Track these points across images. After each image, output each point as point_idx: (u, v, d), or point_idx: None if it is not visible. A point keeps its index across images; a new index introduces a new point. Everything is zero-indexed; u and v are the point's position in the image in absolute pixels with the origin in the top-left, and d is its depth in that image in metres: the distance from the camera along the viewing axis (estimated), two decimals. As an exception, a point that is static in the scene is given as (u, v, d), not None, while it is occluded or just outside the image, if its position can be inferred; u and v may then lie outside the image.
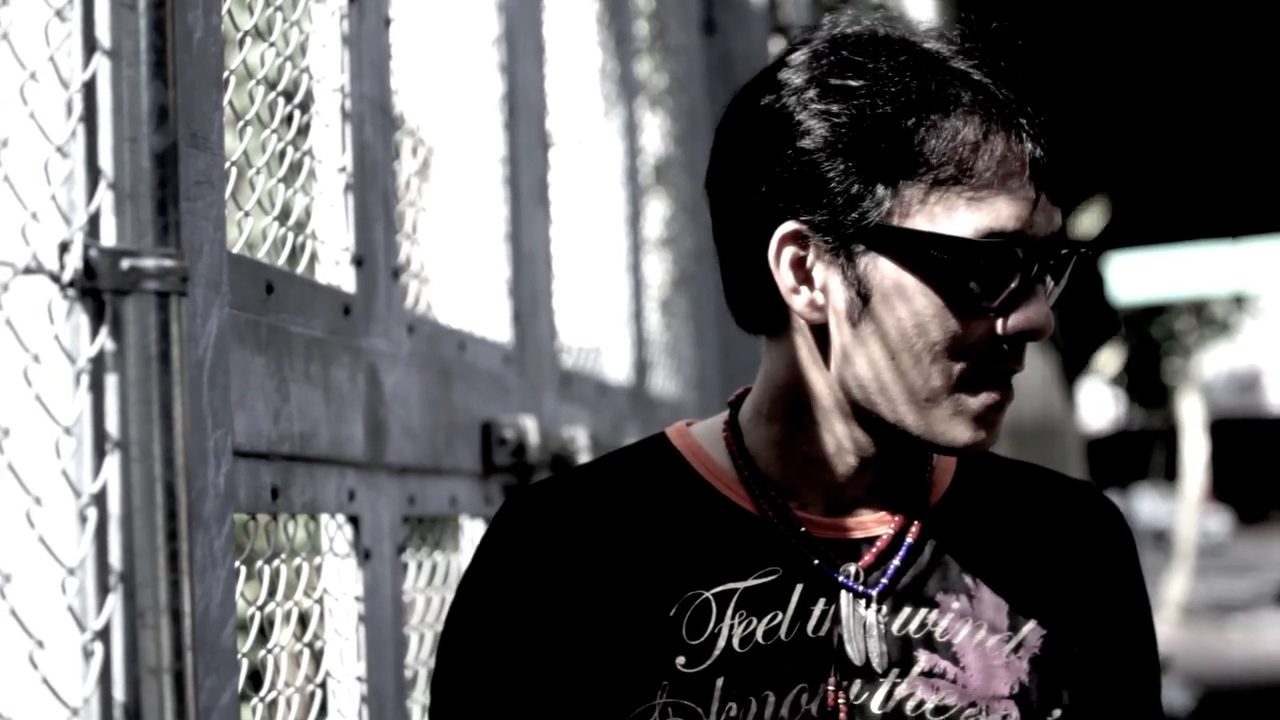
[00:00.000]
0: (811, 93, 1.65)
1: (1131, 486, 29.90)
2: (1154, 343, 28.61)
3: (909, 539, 1.72)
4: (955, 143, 1.62)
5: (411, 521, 2.60)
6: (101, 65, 1.57)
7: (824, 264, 1.65)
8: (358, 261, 2.39)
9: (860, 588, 1.69)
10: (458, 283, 2.98)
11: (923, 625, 1.69)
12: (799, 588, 1.69)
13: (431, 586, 2.75)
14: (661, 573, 1.69)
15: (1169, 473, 31.27)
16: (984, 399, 1.66)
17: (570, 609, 1.69)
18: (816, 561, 1.69)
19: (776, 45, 5.37)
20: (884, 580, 1.70)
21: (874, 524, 1.73)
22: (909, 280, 1.62)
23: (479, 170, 3.04)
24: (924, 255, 1.62)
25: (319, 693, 2.30)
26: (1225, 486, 43.00)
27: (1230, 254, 19.99)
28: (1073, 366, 20.79)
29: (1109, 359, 25.88)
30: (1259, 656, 19.48)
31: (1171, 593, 25.27)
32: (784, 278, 1.66)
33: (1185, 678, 15.99)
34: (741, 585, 1.69)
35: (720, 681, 1.65)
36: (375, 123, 2.46)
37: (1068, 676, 1.72)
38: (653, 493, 1.74)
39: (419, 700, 2.63)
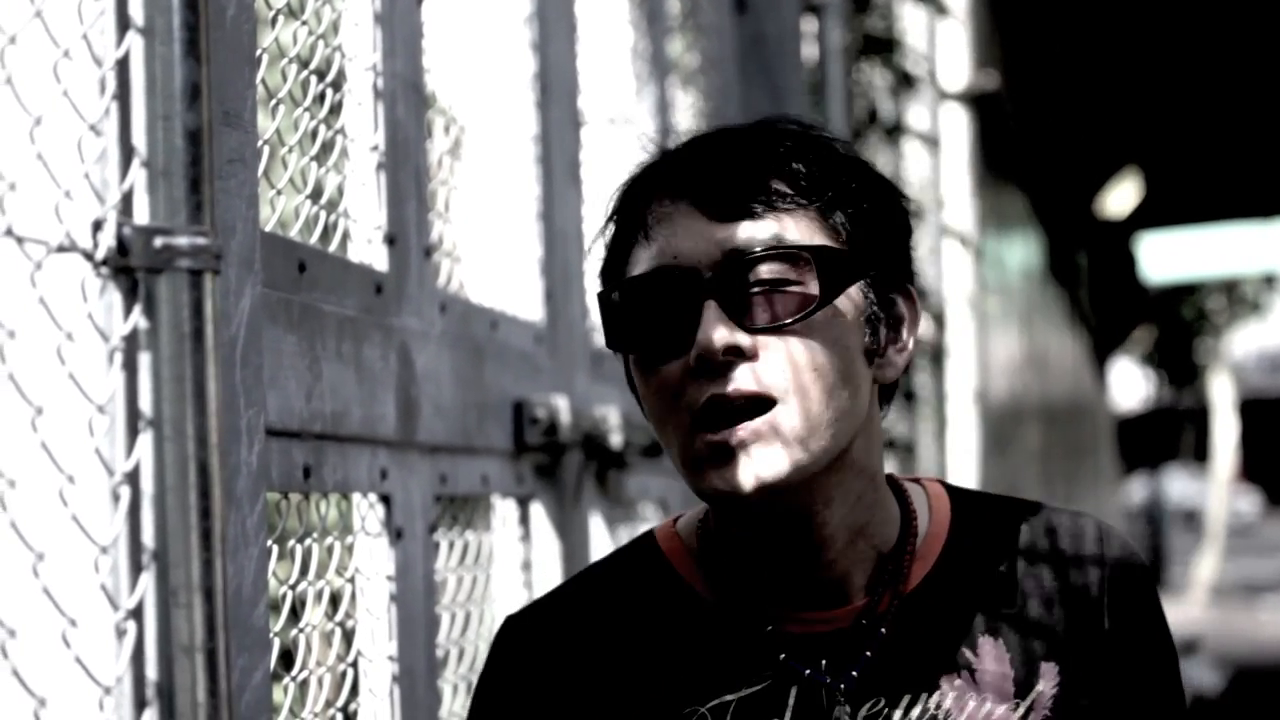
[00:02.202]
0: None
1: (1162, 466, 29.82)
2: (1185, 322, 28.52)
3: (883, 628, 1.67)
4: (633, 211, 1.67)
5: (443, 500, 2.60)
6: (135, 43, 1.57)
7: None
8: (390, 240, 2.38)
9: (840, 685, 1.66)
10: (490, 261, 2.97)
11: (925, 711, 1.65)
12: (793, 691, 1.66)
13: (463, 566, 2.74)
14: (658, 689, 1.68)
15: (1199, 453, 31.21)
16: (709, 442, 1.60)
17: None
18: (801, 663, 1.66)
19: (808, 24, 5.36)
20: (863, 672, 1.66)
21: (851, 614, 1.68)
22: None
23: (511, 149, 3.04)
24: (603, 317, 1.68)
25: (350, 672, 2.30)
26: (1256, 467, 42.87)
27: (1261, 233, 19.92)
28: (1103, 346, 20.74)
29: (1140, 339, 25.83)
30: (1289, 637, 19.43)
31: (1201, 573, 25.23)
32: None
33: (1215, 658, 15.96)
34: (735, 697, 1.66)
35: None
36: (407, 101, 2.45)
37: None
38: (643, 605, 1.73)
39: (450, 679, 2.63)
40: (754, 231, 1.60)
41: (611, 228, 1.70)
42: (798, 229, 1.62)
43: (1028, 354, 12.99)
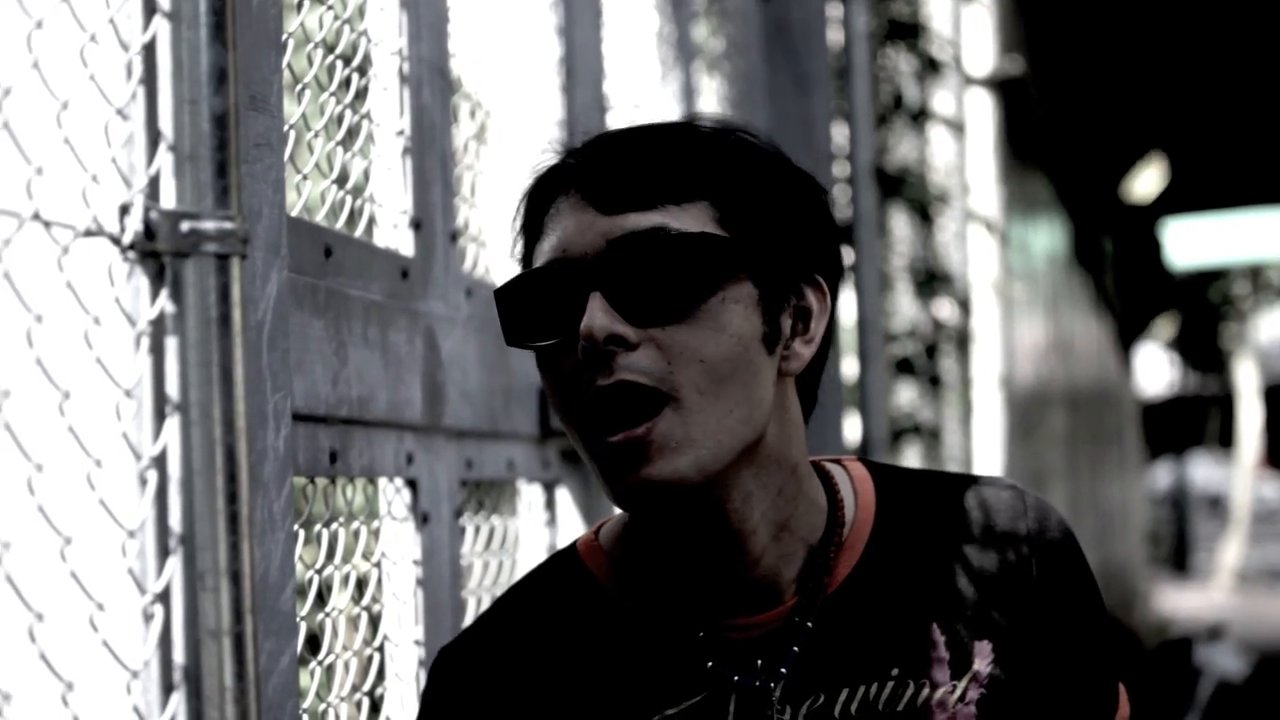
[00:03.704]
0: None
1: (1187, 452, 29.75)
2: (1210, 308, 28.45)
3: (810, 623, 1.65)
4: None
5: (469, 485, 2.60)
6: (161, 27, 1.57)
7: None
8: (416, 225, 2.38)
9: (774, 686, 1.64)
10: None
11: (865, 701, 1.64)
12: (733, 699, 1.64)
13: (489, 551, 2.75)
14: (597, 709, 1.66)
15: (1224, 439, 31.13)
16: (609, 444, 1.58)
17: None
18: (732, 670, 1.64)
19: (834, 10, 5.35)
20: (793, 669, 1.65)
21: (783, 614, 1.66)
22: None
23: (536, 133, 3.03)
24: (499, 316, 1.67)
25: (377, 656, 2.30)
26: (1281, 453, 42.70)
27: (1288, 219, 19.86)
28: (1128, 332, 20.70)
29: (1165, 324, 25.77)
30: (1315, 623, 19.39)
31: (1226, 559, 25.18)
32: None
33: (1240, 644, 15.92)
34: (675, 711, 1.65)
35: None
36: (433, 86, 2.45)
37: (1017, 702, 1.67)
38: (571, 624, 1.71)
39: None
40: (639, 222, 1.59)
41: (520, 223, 1.70)
42: (685, 220, 1.59)
43: (1053, 339, 12.97)
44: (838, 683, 1.64)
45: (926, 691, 1.65)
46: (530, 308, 1.62)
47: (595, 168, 1.62)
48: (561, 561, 1.77)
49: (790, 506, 1.66)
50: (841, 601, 1.67)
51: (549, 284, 1.61)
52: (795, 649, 1.65)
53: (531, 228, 1.67)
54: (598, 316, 1.56)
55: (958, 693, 1.65)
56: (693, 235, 1.58)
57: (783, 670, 1.64)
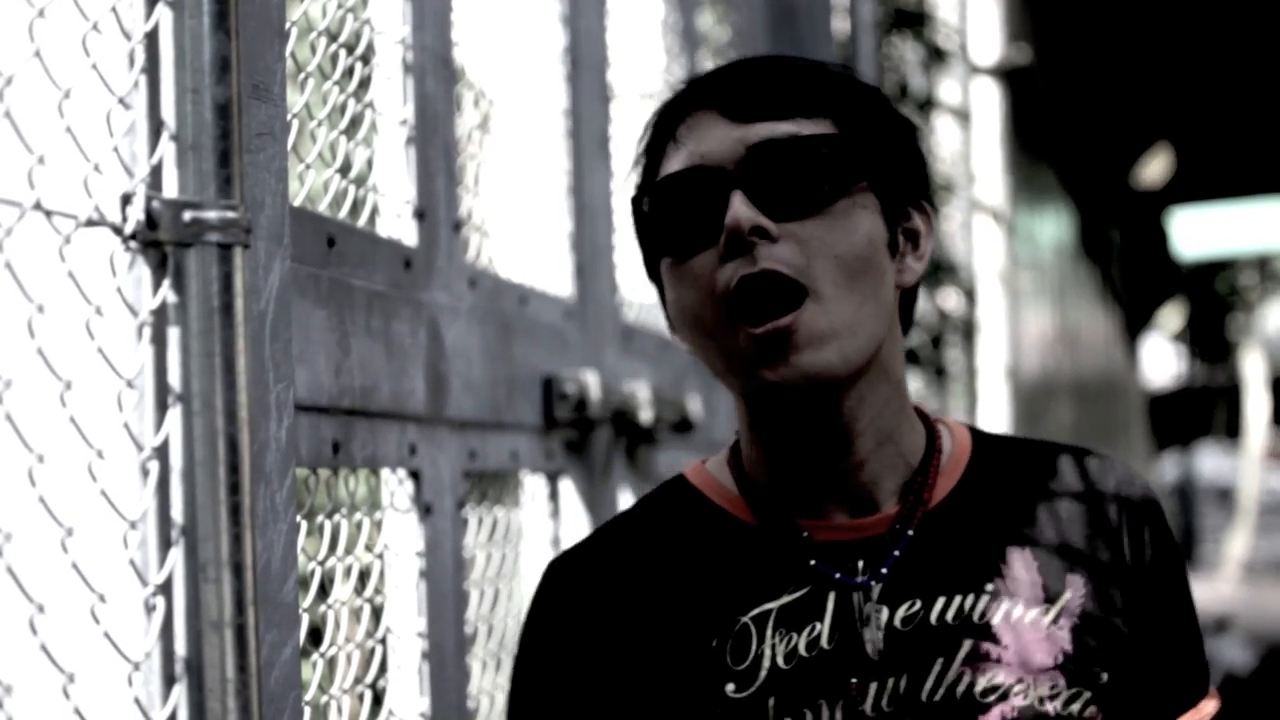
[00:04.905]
0: None
1: (1193, 444, 29.74)
2: (1217, 298, 28.43)
3: (911, 531, 1.71)
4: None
5: (472, 476, 2.60)
6: (164, 16, 1.56)
7: None
8: (419, 215, 2.38)
9: (875, 585, 1.69)
10: (519, 236, 2.96)
11: (960, 611, 1.69)
12: (831, 595, 1.69)
13: (492, 542, 2.74)
14: (699, 605, 1.72)
15: (1231, 430, 31.10)
16: (752, 336, 1.64)
17: (617, 656, 1.72)
18: (833, 569, 1.70)
19: (839, -2, 5.34)
20: (892, 573, 1.70)
21: (884, 521, 1.72)
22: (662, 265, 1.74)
23: (541, 123, 3.03)
24: (638, 223, 1.76)
25: (379, 648, 2.30)
26: (1288, 444, 42.68)
27: (1295, 209, 19.84)
28: (1135, 322, 20.69)
29: (1171, 315, 25.76)
30: (1321, 614, 19.38)
31: (1233, 551, 25.17)
32: None
33: (1247, 635, 15.92)
34: (775, 605, 1.70)
35: (772, 701, 1.67)
36: (437, 75, 2.45)
37: (1109, 640, 1.71)
38: (677, 531, 1.78)
39: (479, 655, 2.63)
40: (774, 129, 1.68)
41: (646, 142, 1.78)
42: (815, 129, 1.69)
43: (1059, 330, 12.96)
44: (934, 590, 1.70)
45: (1021, 610, 1.70)
46: (669, 213, 1.71)
47: (730, 83, 1.72)
48: (669, 485, 1.85)
49: (895, 419, 1.74)
50: (939, 518, 1.73)
51: (689, 188, 1.70)
52: (896, 553, 1.71)
53: (659, 145, 1.76)
54: (742, 210, 1.64)
55: (1050, 615, 1.70)
56: (826, 136, 1.68)
57: (883, 571, 1.70)
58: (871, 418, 1.71)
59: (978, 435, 1.82)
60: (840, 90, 1.73)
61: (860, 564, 1.70)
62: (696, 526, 1.77)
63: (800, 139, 1.67)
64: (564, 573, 1.79)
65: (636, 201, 1.75)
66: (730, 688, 1.67)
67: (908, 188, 1.76)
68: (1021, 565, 1.72)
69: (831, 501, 1.73)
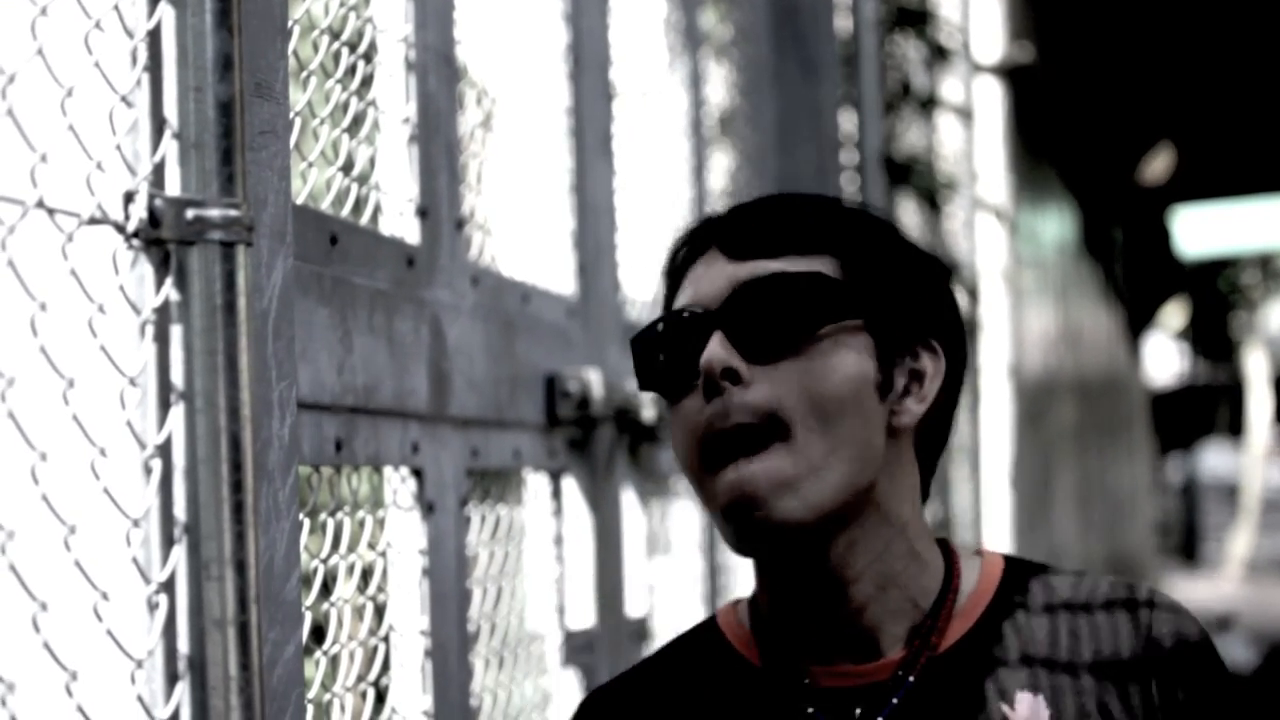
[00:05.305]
0: None
1: (1197, 442, 29.72)
2: (1220, 296, 28.42)
3: (912, 678, 1.69)
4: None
5: (475, 474, 2.60)
6: (166, 14, 1.56)
7: None
8: (422, 213, 2.38)
9: None
10: (521, 235, 2.96)
11: None
12: None
13: (495, 540, 2.74)
14: None
15: (1234, 428, 31.10)
16: (718, 482, 1.65)
17: None
18: (831, 717, 1.69)
19: (842, -3, 5.33)
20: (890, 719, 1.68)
21: (888, 667, 1.70)
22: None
23: (543, 121, 3.03)
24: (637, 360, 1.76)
25: (382, 646, 2.30)
26: (1291, 442, 42.63)
27: (1298, 207, 19.83)
28: (1138, 321, 20.68)
29: (1174, 313, 25.75)
30: (1324, 613, 19.37)
31: (1236, 549, 25.16)
32: None
33: (1249, 634, 15.92)
34: None
35: None
36: (439, 73, 2.45)
37: None
38: (694, 674, 1.80)
39: (481, 653, 2.63)
40: (763, 268, 1.67)
41: (664, 280, 1.81)
42: (808, 266, 1.68)
43: (1062, 328, 12.96)
44: None
45: None
46: (660, 353, 1.72)
47: (732, 221, 1.73)
48: (700, 626, 1.87)
49: (899, 563, 1.71)
50: (948, 664, 1.70)
51: (678, 329, 1.70)
52: (894, 701, 1.68)
53: (673, 283, 1.77)
54: (716, 352, 1.64)
55: None
56: (806, 274, 1.66)
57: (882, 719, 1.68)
58: (869, 562, 1.69)
59: (1011, 569, 1.77)
60: (844, 226, 1.71)
61: (858, 711, 1.68)
62: (711, 669, 1.79)
63: (782, 276, 1.66)
64: (595, 706, 1.84)
65: (634, 341, 1.75)
66: None
67: (914, 327, 1.72)
68: (1030, 709, 1.67)
69: (836, 646, 1.71)
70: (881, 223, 1.76)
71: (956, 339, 1.77)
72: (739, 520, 1.64)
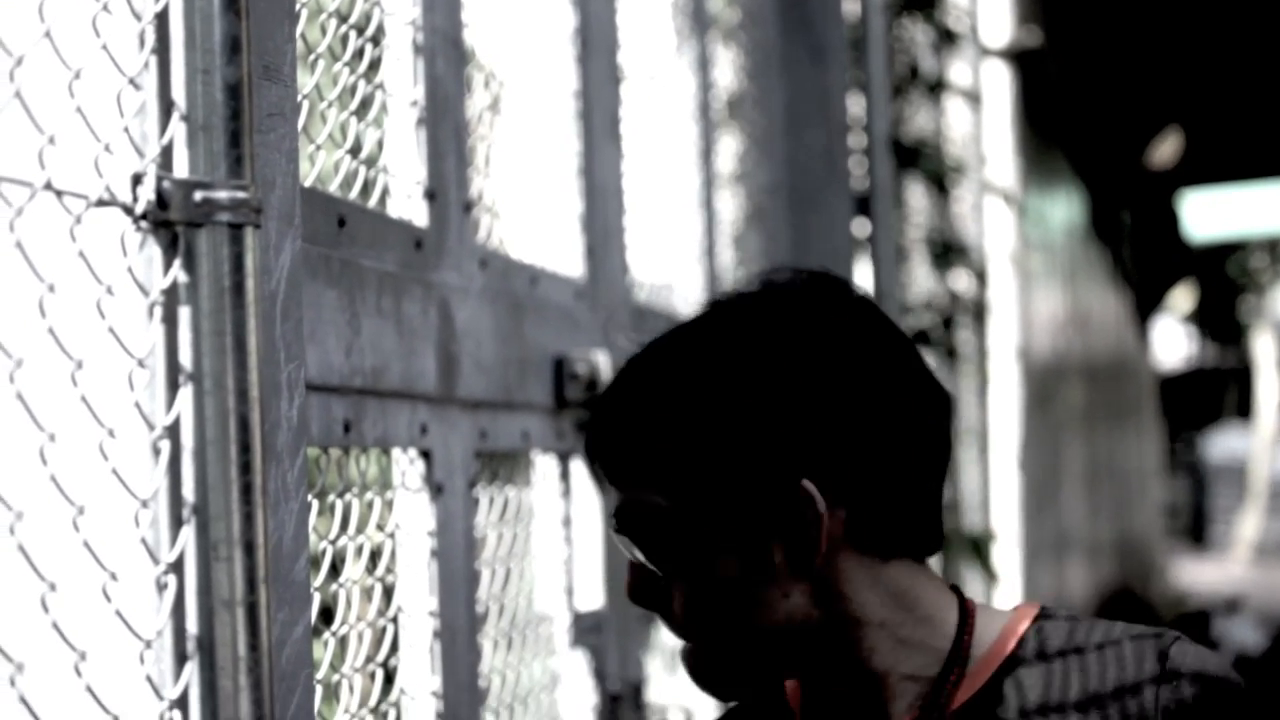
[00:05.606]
0: None
1: (1204, 425, 29.70)
2: (1228, 280, 28.38)
3: None
4: None
5: (483, 456, 2.60)
6: (173, -4, 1.56)
7: None
8: (430, 195, 2.38)
9: None
10: (529, 217, 2.96)
11: None
12: None
13: (503, 521, 2.75)
14: None
15: (1242, 411, 31.08)
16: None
17: None
18: None
19: (850, -21, 5.33)
20: None
21: None
22: None
23: (551, 104, 3.03)
24: None
25: (390, 627, 2.30)
26: (1299, 425, 42.55)
27: (1306, 191, 19.80)
28: (1146, 304, 20.66)
29: (1182, 297, 25.71)
30: (1332, 596, 19.35)
31: (1244, 532, 25.15)
32: None
33: (1258, 616, 15.92)
34: None
35: None
36: (447, 56, 2.45)
37: None
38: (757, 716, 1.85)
39: (490, 634, 2.63)
40: (623, 493, 1.73)
41: None
42: (643, 499, 1.70)
43: (1070, 312, 12.95)
44: None
45: None
46: None
47: (588, 440, 1.77)
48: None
49: (886, 660, 1.71)
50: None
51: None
52: None
53: None
54: (628, 579, 1.74)
55: None
56: (638, 507, 1.70)
57: None
58: (845, 677, 1.72)
59: (1041, 623, 1.75)
60: (664, 445, 1.68)
61: None
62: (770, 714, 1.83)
63: (625, 509, 1.71)
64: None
65: None
66: None
67: (762, 514, 1.66)
68: None
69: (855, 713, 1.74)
70: (708, 411, 1.67)
71: (837, 449, 1.67)
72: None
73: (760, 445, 1.65)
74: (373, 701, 2.23)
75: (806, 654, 1.70)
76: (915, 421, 1.69)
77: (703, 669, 1.71)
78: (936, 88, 7.35)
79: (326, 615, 2.15)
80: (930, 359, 7.05)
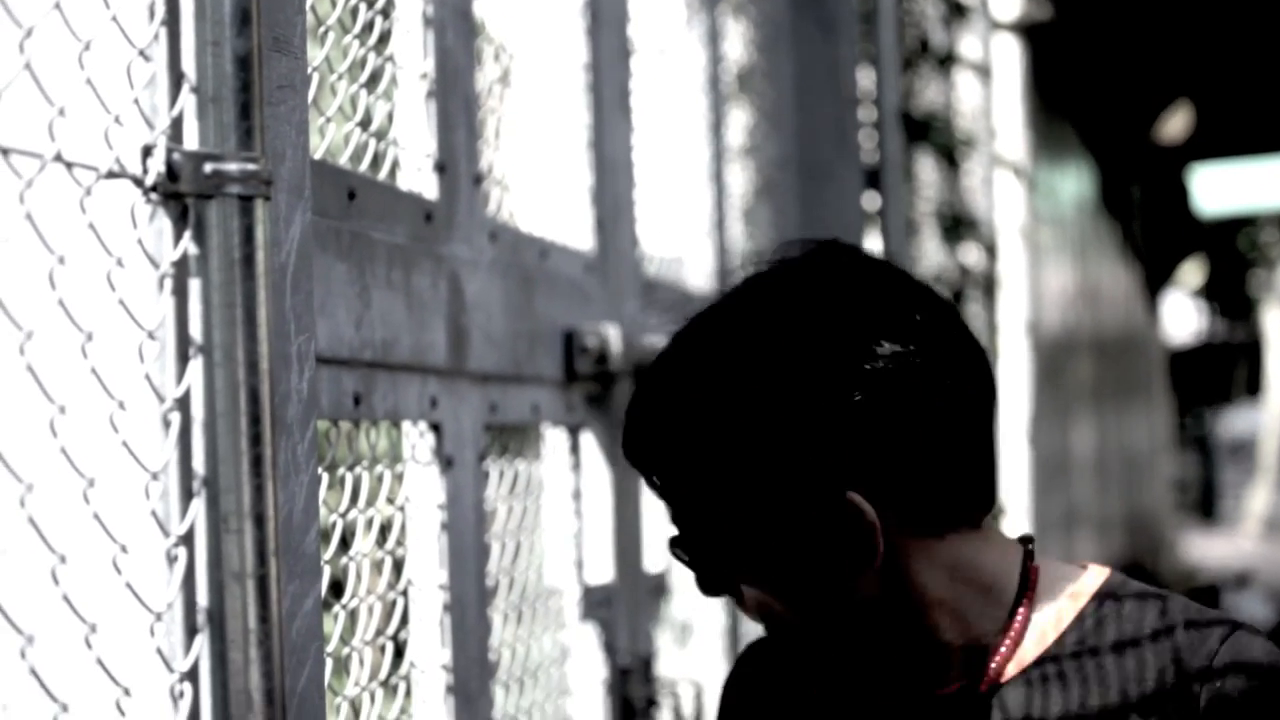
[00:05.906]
0: None
1: (1214, 400, 29.68)
2: (1238, 255, 28.34)
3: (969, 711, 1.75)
4: None
5: (493, 429, 2.60)
6: (183, -33, 1.56)
7: None
8: (440, 168, 2.38)
9: None
10: (540, 190, 2.96)
11: None
12: None
13: (513, 495, 2.75)
14: None
15: (1252, 386, 31.06)
16: None
17: None
18: None
19: (860, -48, 5.32)
20: None
21: (949, 693, 1.77)
22: None
23: (561, 77, 3.02)
24: None
25: (400, 600, 2.30)
26: (1309, 400, 42.53)
27: (1317, 166, 19.76)
28: (1156, 279, 20.63)
29: (1192, 272, 25.68)
30: (1341, 571, 19.35)
31: (1254, 506, 25.15)
32: None
33: (1267, 591, 15.92)
34: None
35: None
36: (457, 29, 2.44)
37: None
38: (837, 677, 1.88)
39: (500, 608, 2.63)
40: (676, 518, 1.80)
41: None
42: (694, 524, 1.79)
43: (1080, 286, 12.94)
44: None
45: None
46: None
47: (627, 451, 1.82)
48: None
49: (945, 632, 1.75)
50: (1004, 695, 1.74)
51: None
52: None
53: None
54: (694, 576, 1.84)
55: None
56: (696, 545, 1.77)
57: None
58: (921, 642, 1.76)
59: (1101, 596, 1.76)
60: (702, 475, 1.73)
61: None
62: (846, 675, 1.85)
63: (685, 546, 1.77)
64: (744, 656, 1.99)
65: None
66: None
67: (806, 528, 1.71)
68: None
69: (911, 673, 1.78)
70: (749, 427, 1.70)
71: (873, 459, 1.68)
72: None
73: (803, 463, 1.67)
74: (383, 674, 2.23)
75: (876, 635, 1.74)
76: (959, 400, 1.70)
77: (804, 658, 1.81)
78: (946, 61, 7.34)
79: (337, 588, 2.15)
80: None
